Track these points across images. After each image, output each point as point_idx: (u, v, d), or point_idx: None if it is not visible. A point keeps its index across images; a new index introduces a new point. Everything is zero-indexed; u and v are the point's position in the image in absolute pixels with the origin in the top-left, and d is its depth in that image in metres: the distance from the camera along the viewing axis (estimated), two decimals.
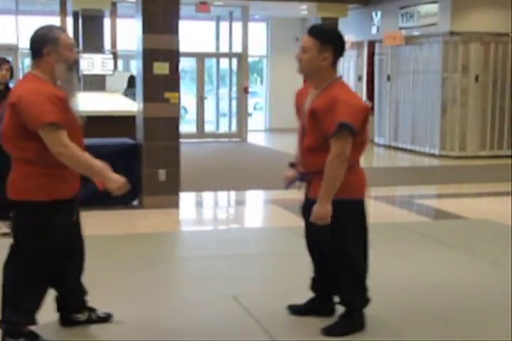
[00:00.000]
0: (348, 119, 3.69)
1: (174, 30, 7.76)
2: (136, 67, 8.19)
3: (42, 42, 3.64)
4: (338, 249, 3.97)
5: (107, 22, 16.20)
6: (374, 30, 15.81)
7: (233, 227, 7.70)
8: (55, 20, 16.19)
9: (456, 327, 4.24)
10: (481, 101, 13.60)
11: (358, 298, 4.07)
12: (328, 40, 3.83)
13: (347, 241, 3.95)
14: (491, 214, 7.74)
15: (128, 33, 17.55)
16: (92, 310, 4.16)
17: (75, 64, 3.75)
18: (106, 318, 4.19)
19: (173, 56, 7.81)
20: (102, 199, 7.01)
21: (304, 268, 4.40)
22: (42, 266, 3.76)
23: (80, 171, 3.64)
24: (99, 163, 3.61)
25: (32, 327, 3.82)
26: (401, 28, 14.60)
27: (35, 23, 14.26)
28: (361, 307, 4.09)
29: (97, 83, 15.02)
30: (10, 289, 3.77)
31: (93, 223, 7.03)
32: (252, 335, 4.06)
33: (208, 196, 9.32)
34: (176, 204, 7.93)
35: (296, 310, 4.33)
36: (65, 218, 3.77)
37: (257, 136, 17.98)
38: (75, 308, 4.10)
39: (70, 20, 16.12)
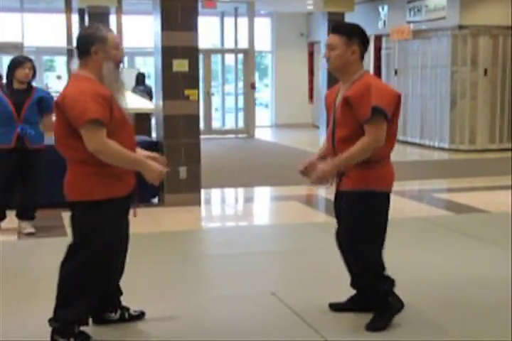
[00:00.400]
0: (381, 103, 3.79)
1: (193, 27, 7.75)
2: (154, 64, 8.17)
3: (90, 41, 3.67)
4: (359, 239, 4.00)
5: (112, 19, 16.13)
6: (380, 24, 15.79)
7: (257, 224, 7.68)
8: (61, 18, 16.18)
9: (492, 322, 4.24)
10: (490, 95, 13.61)
11: (380, 285, 4.08)
12: (353, 34, 3.95)
13: (370, 231, 4.00)
14: (505, 207, 7.75)
15: (133, 29, 17.58)
16: (124, 308, 4.17)
17: (121, 62, 3.77)
18: (139, 316, 4.19)
19: (192, 53, 7.80)
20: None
21: (336, 263, 4.40)
22: (100, 266, 3.76)
23: (120, 166, 3.66)
24: (136, 156, 3.68)
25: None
26: (409, 22, 14.59)
27: (40, 21, 14.23)
28: (388, 293, 4.09)
29: None
30: (66, 288, 3.76)
31: None
32: (299, 331, 4.07)
33: (224, 193, 9.31)
34: (197, 202, 7.92)
35: (338, 307, 4.34)
36: (122, 216, 3.81)
37: (264, 132, 17.97)
38: (110, 307, 4.12)
39: (75, 18, 16.07)
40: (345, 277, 4.25)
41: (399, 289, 4.38)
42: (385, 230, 4.11)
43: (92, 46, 3.65)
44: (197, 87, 7.88)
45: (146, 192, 6.31)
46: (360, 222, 3.97)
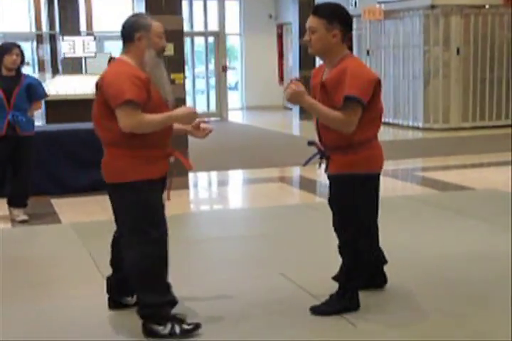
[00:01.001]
0: (355, 92, 3.74)
1: (177, 10, 7.72)
2: None
3: (134, 28, 3.71)
4: (346, 225, 4.03)
5: (81, 2, 15.97)
6: (351, 5, 15.82)
7: (249, 206, 7.70)
8: (29, 2, 15.97)
9: (486, 297, 4.34)
10: (462, 74, 13.77)
11: (354, 277, 4.10)
12: (334, 17, 3.86)
13: (357, 215, 4.01)
14: (493, 184, 7.90)
15: (103, 13, 17.41)
16: None
17: (163, 51, 3.80)
18: None
19: (177, 36, 7.77)
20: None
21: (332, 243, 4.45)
22: (162, 242, 3.78)
23: (160, 128, 3.69)
24: (165, 115, 3.69)
25: None
26: (379, 3, 14.65)
27: (8, 6, 14.04)
28: (356, 288, 4.12)
29: (74, 66, 14.86)
30: (144, 274, 3.77)
31: (105, 207, 7.03)
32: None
33: (209, 176, 9.32)
34: (185, 186, 7.92)
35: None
36: (159, 196, 3.82)
37: (235, 115, 17.96)
38: (127, 292, 4.13)
39: (43, 2, 15.87)
40: None
41: (394, 266, 4.48)
42: (376, 212, 4.15)
43: (136, 33, 3.69)
44: (183, 70, 7.86)
45: None
46: (348, 204, 3.99)
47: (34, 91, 6.53)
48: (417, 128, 14.03)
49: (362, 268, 4.10)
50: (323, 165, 4.11)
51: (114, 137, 3.71)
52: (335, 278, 4.15)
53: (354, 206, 3.99)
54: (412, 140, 13.14)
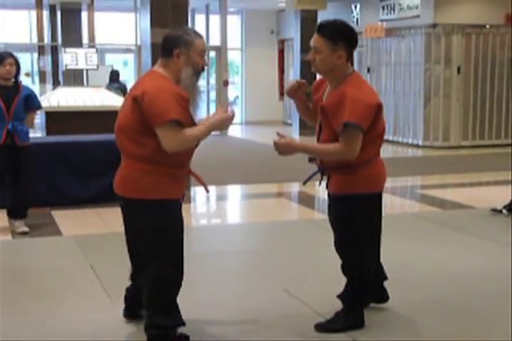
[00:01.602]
0: (354, 118, 3.64)
1: (183, 24, 7.71)
2: (143, 61, 8.12)
3: (175, 43, 3.60)
4: (349, 245, 4.00)
5: (84, 15, 16.01)
6: (353, 22, 15.89)
7: (250, 221, 7.66)
8: (31, 14, 16.00)
9: (491, 318, 4.33)
10: (463, 92, 13.82)
11: (360, 295, 4.08)
12: (340, 38, 3.73)
13: (359, 237, 3.96)
14: (492, 203, 7.87)
15: (104, 26, 17.46)
16: None
17: (202, 71, 3.69)
18: None
19: None
20: (113, 195, 7.04)
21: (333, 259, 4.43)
22: (179, 264, 3.74)
23: (201, 140, 3.63)
24: (202, 126, 3.59)
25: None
26: (382, 21, 14.73)
27: (10, 17, 14.03)
28: (361, 306, 4.10)
29: (76, 78, 14.87)
30: (160, 296, 3.72)
31: (106, 219, 7.02)
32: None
33: (210, 191, 9.28)
34: (188, 199, 7.89)
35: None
36: (177, 217, 3.73)
37: (234, 129, 17.95)
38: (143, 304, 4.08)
39: (46, 14, 15.91)
40: None
41: (396, 284, 4.46)
42: (378, 232, 4.10)
43: (176, 48, 3.58)
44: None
45: None
46: (348, 226, 3.95)
47: (31, 102, 6.51)
48: (417, 145, 14.06)
49: (367, 287, 4.08)
50: (324, 183, 4.05)
51: (147, 152, 3.57)
52: (340, 297, 4.11)
53: (355, 227, 3.94)
54: (412, 157, 13.15)
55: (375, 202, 4.01)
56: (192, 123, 3.64)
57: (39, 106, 6.75)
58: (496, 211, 7.26)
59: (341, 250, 4.04)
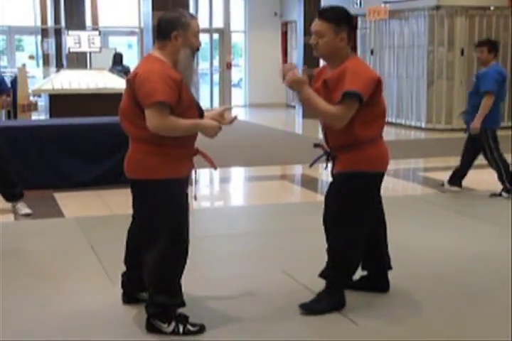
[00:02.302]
0: (354, 87, 3.74)
1: (184, 6, 7.73)
2: (144, 44, 8.13)
3: (172, 26, 3.64)
4: (342, 223, 4.02)
5: None
6: (356, 4, 15.82)
7: (252, 204, 7.70)
8: None
9: (489, 298, 4.37)
10: (466, 75, 13.76)
11: (345, 274, 4.12)
12: (342, 20, 3.88)
13: (354, 214, 4.00)
14: (493, 186, 7.89)
15: (106, 9, 17.42)
16: None
17: (197, 51, 3.76)
18: None
19: None
20: (115, 177, 7.09)
21: None
22: (183, 243, 3.78)
23: (184, 134, 3.70)
24: (191, 121, 3.68)
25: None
26: (385, 3, 14.65)
27: (13, 0, 14.00)
28: (343, 285, 4.14)
29: (79, 60, 14.88)
30: (160, 275, 3.77)
31: (108, 201, 7.07)
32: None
33: (211, 173, 9.32)
34: (190, 181, 7.91)
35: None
36: (184, 195, 3.80)
37: (238, 112, 17.96)
38: (143, 287, 4.09)
39: None
40: None
41: (400, 266, 4.50)
42: (375, 210, 4.14)
43: (174, 31, 3.63)
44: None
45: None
46: (350, 203, 3.98)
47: (1, 85, 6.52)
48: (420, 128, 14.05)
49: (352, 267, 4.12)
50: (330, 166, 4.12)
51: (146, 134, 3.64)
52: (322, 275, 4.14)
53: (356, 204, 3.99)
54: (415, 140, 13.15)
55: (375, 182, 4.07)
56: (189, 103, 3.71)
57: (7, 91, 6.77)
58: (495, 195, 7.31)
59: (336, 226, 4.05)
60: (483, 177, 8.63)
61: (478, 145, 7.39)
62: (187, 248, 3.82)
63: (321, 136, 4.15)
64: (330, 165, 4.15)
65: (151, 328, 3.79)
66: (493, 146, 7.34)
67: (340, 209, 4.02)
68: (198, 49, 3.75)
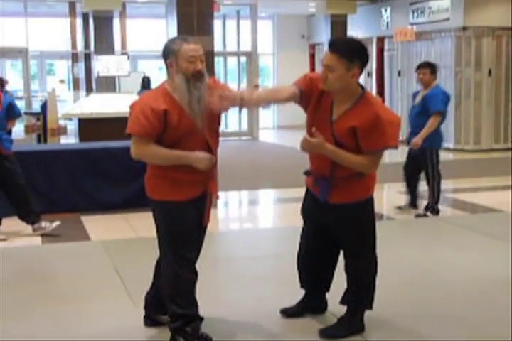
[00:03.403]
0: (394, 143, 3.78)
1: (208, 31, 7.84)
2: None
3: (165, 54, 3.78)
4: (361, 248, 4.03)
5: (116, 23, 16.20)
6: (383, 26, 15.89)
7: (274, 226, 7.73)
8: (65, 22, 16.25)
9: None
10: (494, 95, 13.72)
11: (365, 299, 4.11)
12: (354, 55, 3.70)
13: (369, 239, 4.04)
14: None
15: (137, 33, 17.65)
16: None
17: (198, 75, 3.71)
18: None
19: (208, 57, 7.81)
20: (142, 200, 7.13)
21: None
22: (180, 260, 3.85)
23: (169, 164, 3.78)
24: (177, 153, 3.75)
25: None
26: (412, 24, 14.69)
27: (45, 25, 14.30)
28: (365, 310, 4.13)
29: (108, 84, 15.07)
30: (173, 292, 3.86)
31: (134, 224, 7.12)
32: None
33: (235, 196, 9.36)
34: (214, 205, 7.93)
35: (289, 312, 4.38)
36: (178, 217, 3.82)
37: (267, 134, 18.00)
38: (164, 310, 4.14)
39: (79, 22, 16.14)
40: (378, 276, 4.29)
41: (423, 289, 4.47)
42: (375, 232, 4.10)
43: (168, 59, 3.75)
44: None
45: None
46: (365, 230, 4.01)
47: (11, 111, 6.63)
48: (448, 149, 13.97)
49: (374, 291, 4.11)
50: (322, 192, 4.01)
51: None
52: (343, 302, 4.14)
53: (371, 231, 4.03)
54: (443, 161, 12.95)
55: (372, 204, 4.09)
56: (189, 128, 3.75)
57: (20, 114, 6.89)
58: (420, 216, 7.52)
59: (357, 257, 4.04)
60: (505, 198, 8.56)
61: (417, 166, 7.59)
62: (192, 265, 3.88)
63: None
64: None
65: None
66: (435, 165, 7.60)
67: (362, 237, 4.02)
68: (196, 74, 3.69)
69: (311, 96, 3.88)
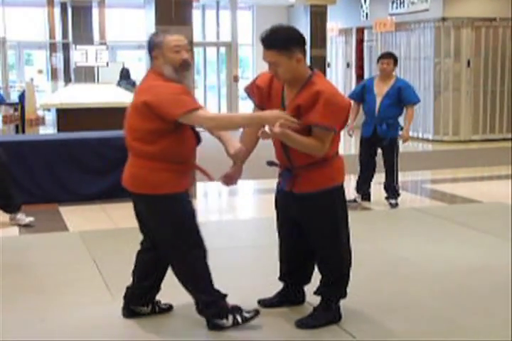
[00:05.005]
0: (329, 123, 3.71)
1: (188, 21, 7.78)
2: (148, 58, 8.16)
3: (150, 47, 3.82)
4: (331, 238, 4.01)
5: (95, 12, 16.09)
6: (363, 17, 15.89)
7: (256, 216, 7.72)
8: (43, 12, 16.11)
9: (491, 311, 4.35)
10: (473, 86, 13.78)
11: (340, 288, 4.11)
12: (290, 44, 3.69)
13: (339, 228, 4.01)
14: (502, 197, 7.89)
15: (115, 23, 17.53)
16: (156, 302, 4.25)
17: (185, 65, 3.78)
18: (168, 309, 4.30)
19: None
20: (120, 192, 7.09)
21: None
22: (200, 244, 3.95)
23: (242, 127, 3.95)
24: (248, 114, 3.95)
25: None
26: (391, 15, 14.70)
27: (22, 15, 14.21)
28: (340, 299, 4.14)
29: (87, 75, 14.97)
30: (194, 277, 3.96)
31: (112, 215, 7.09)
32: None
33: (216, 186, 9.30)
34: (193, 195, 7.92)
35: (267, 303, 4.38)
36: (188, 206, 3.95)
37: None
38: (144, 302, 4.18)
39: (57, 11, 16.00)
40: (355, 267, 4.30)
41: (399, 280, 4.48)
42: (347, 222, 4.08)
43: (152, 52, 3.79)
44: (192, 81, 7.89)
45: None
46: (332, 219, 3.98)
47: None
48: (427, 140, 14.04)
49: (346, 281, 4.11)
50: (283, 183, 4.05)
51: (157, 150, 3.77)
52: (317, 293, 4.14)
53: (337, 220, 3.99)
54: (422, 152, 13.13)
55: (343, 193, 4.08)
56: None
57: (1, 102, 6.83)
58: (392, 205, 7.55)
59: (323, 245, 4.05)
60: (492, 190, 8.63)
61: (372, 155, 7.59)
62: (205, 246, 3.98)
63: None
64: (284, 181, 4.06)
65: (215, 327, 3.96)
66: (398, 153, 7.63)
67: (326, 226, 3.99)
68: (185, 63, 3.76)
69: (264, 97, 3.95)
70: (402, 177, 9.26)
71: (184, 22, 7.77)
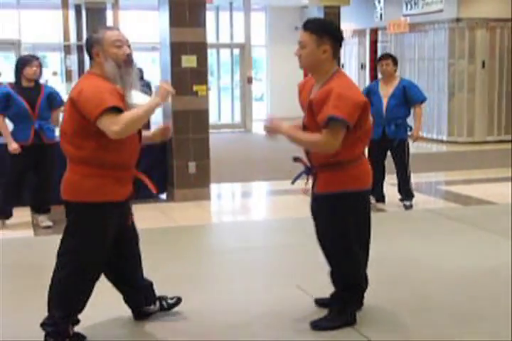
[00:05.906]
0: (339, 113, 3.66)
1: (201, 23, 7.81)
2: (161, 60, 8.18)
3: (90, 44, 3.74)
4: (339, 242, 3.98)
5: (109, 14, 16.14)
6: (376, 17, 15.86)
7: (269, 218, 7.73)
8: (57, 14, 16.15)
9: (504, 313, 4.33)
10: (487, 87, 13.72)
11: (354, 291, 4.09)
12: (324, 32, 3.80)
13: (347, 234, 3.96)
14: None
15: (130, 25, 17.55)
16: (162, 298, 4.24)
17: (129, 60, 3.70)
18: (176, 303, 4.27)
19: (200, 49, 7.86)
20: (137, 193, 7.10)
21: None
22: (94, 266, 3.79)
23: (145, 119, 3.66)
24: (143, 108, 3.60)
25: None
26: (405, 16, 14.67)
27: (37, 17, 14.22)
28: (356, 305, 4.13)
29: None
30: (62, 289, 3.77)
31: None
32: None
33: (230, 188, 9.35)
34: (207, 197, 7.95)
35: (322, 303, 4.36)
36: (117, 220, 3.78)
37: (260, 126, 17.92)
38: (146, 302, 4.17)
39: (71, 14, 16.05)
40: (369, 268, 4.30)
41: (412, 280, 4.46)
42: (365, 229, 4.04)
43: (93, 48, 3.71)
44: (205, 82, 7.94)
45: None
46: (338, 225, 3.94)
47: (54, 100, 6.71)
48: (441, 141, 13.99)
49: (360, 294, 4.11)
50: (310, 182, 4.05)
51: (85, 154, 3.62)
52: (333, 296, 4.15)
53: (345, 227, 3.93)
54: (436, 153, 13.09)
55: (363, 200, 4.02)
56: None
57: (62, 103, 6.90)
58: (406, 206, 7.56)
59: (332, 251, 4.04)
60: (497, 191, 8.58)
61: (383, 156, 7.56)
62: (98, 271, 3.83)
63: None
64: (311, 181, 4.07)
65: None
66: (409, 154, 7.67)
67: (334, 233, 3.97)
68: (127, 58, 3.69)
69: (300, 93, 4.09)
70: (417, 178, 9.26)
71: (198, 23, 7.80)
